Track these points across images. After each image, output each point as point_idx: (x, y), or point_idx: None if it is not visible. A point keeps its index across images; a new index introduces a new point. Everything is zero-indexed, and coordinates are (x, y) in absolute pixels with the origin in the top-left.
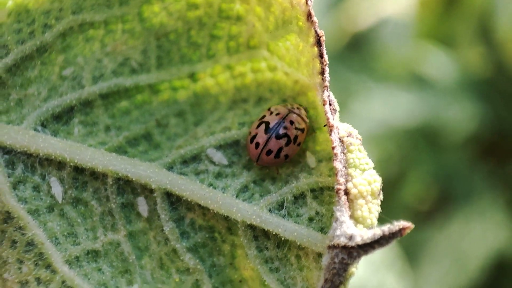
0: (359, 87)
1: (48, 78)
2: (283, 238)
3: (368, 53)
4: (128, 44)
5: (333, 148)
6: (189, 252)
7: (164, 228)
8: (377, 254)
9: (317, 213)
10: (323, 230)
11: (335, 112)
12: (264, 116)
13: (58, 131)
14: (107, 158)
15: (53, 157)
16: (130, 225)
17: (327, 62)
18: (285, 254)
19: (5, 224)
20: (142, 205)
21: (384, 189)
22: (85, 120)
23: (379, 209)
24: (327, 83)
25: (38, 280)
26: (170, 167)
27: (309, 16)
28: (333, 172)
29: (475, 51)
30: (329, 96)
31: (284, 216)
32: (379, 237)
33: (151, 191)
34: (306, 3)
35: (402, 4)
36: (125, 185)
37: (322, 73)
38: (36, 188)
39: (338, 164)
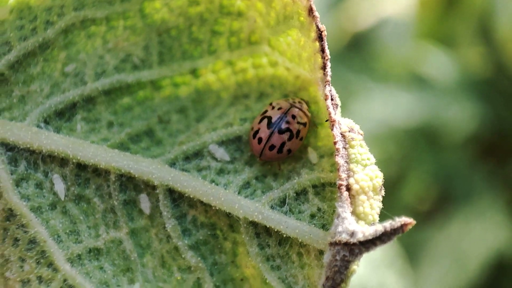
0: (359, 87)
1: (51, 75)
2: (284, 235)
3: (368, 53)
4: (129, 40)
5: (335, 143)
6: (190, 250)
7: (166, 226)
8: (377, 253)
9: (319, 209)
10: (324, 226)
11: (336, 107)
12: (266, 111)
13: (60, 128)
14: (110, 155)
15: (55, 153)
16: (132, 223)
17: (329, 56)
18: (286, 252)
19: (8, 222)
20: (144, 202)
21: (384, 189)
22: (87, 116)
23: (380, 205)
24: (328, 78)
25: (40, 278)
26: (172, 164)
27: (310, 10)
28: (335, 168)
29: (475, 51)
30: (330, 90)
31: (286, 213)
32: (380, 233)
33: (154, 188)
34: None
35: (402, 4)
36: (128, 182)
37: (323, 67)
38: (39, 185)
39: (339, 159)
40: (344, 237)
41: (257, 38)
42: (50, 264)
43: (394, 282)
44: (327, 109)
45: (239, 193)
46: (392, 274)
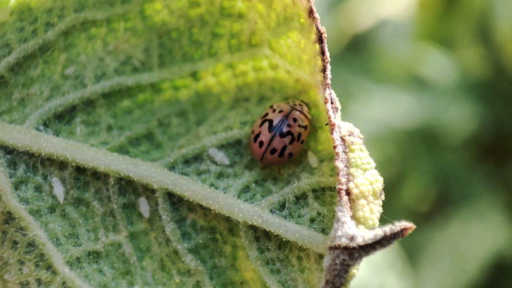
0: (358, 89)
1: (51, 77)
2: (284, 239)
3: (367, 55)
4: (130, 42)
5: (334, 147)
6: (190, 253)
7: (165, 229)
8: (378, 255)
9: (318, 213)
10: (324, 231)
11: (336, 111)
12: (267, 114)
13: (60, 131)
14: (109, 158)
15: (55, 157)
16: (132, 226)
17: (329, 59)
18: (286, 256)
19: (7, 225)
20: (144, 206)
21: (384, 190)
22: (87, 119)
23: (380, 209)
24: (328, 81)
25: (39, 281)
26: (172, 167)
27: (310, 12)
28: (334, 172)
29: (474, 53)
30: (330, 94)
31: (285, 217)
32: (380, 237)
33: (153, 191)
34: None
35: (401, 5)
36: (127, 186)
37: (323, 70)
38: (37, 189)
39: (339, 164)
40: (344, 241)
41: (258, 40)
42: (49, 267)
43: (395, 284)
44: (327, 112)
45: (238, 197)
46: (392, 275)
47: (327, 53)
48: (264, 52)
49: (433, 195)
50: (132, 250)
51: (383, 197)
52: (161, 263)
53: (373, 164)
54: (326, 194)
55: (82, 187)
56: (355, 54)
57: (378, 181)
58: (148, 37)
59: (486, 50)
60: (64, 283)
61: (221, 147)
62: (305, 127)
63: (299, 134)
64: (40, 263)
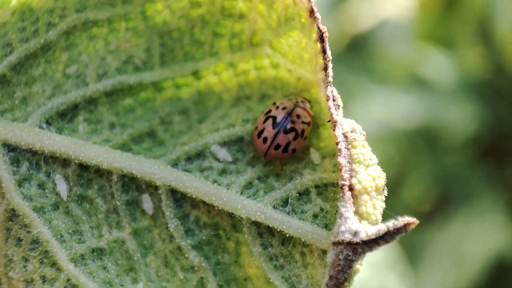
0: (359, 89)
1: (53, 76)
2: (287, 235)
3: (368, 55)
4: (131, 42)
5: (337, 143)
6: (193, 250)
7: (169, 226)
8: (378, 255)
9: (321, 209)
10: (327, 226)
11: (338, 108)
12: (270, 111)
13: (62, 129)
14: (112, 155)
15: (58, 154)
16: (135, 223)
17: (330, 58)
18: (289, 251)
19: (11, 222)
20: (147, 203)
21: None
22: (89, 117)
23: (383, 205)
24: (330, 79)
25: (43, 278)
26: (174, 164)
27: (311, 12)
28: (337, 168)
29: (474, 53)
30: (332, 91)
31: (288, 213)
32: (383, 233)
33: (156, 188)
34: None
35: (401, 6)
36: (130, 182)
37: (325, 69)
38: (41, 186)
39: (342, 160)
40: (347, 237)
41: (259, 40)
42: (54, 264)
43: (395, 284)
44: (329, 110)
45: (241, 193)
46: (393, 276)
47: (329, 52)
48: (265, 51)
49: (434, 195)
50: (135, 247)
51: (385, 192)
52: (164, 259)
53: (376, 160)
54: (329, 190)
55: (85, 184)
56: (355, 54)
57: (380, 177)
58: (150, 37)
59: (486, 51)
60: (68, 280)
61: (223, 144)
62: (308, 124)
63: (303, 131)
64: (45, 260)
